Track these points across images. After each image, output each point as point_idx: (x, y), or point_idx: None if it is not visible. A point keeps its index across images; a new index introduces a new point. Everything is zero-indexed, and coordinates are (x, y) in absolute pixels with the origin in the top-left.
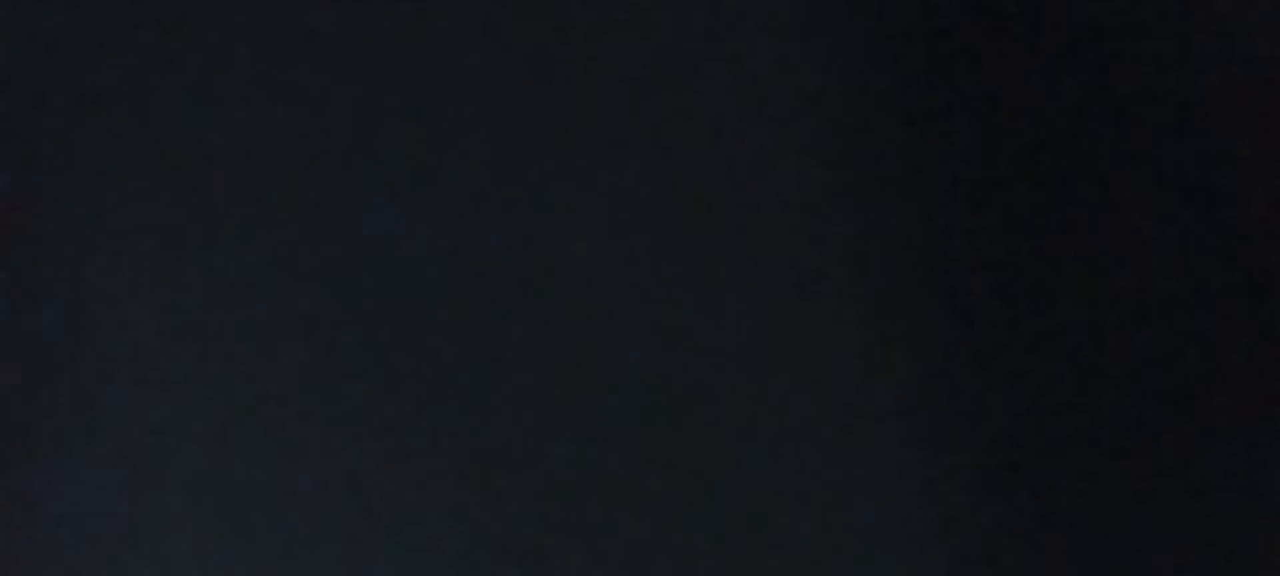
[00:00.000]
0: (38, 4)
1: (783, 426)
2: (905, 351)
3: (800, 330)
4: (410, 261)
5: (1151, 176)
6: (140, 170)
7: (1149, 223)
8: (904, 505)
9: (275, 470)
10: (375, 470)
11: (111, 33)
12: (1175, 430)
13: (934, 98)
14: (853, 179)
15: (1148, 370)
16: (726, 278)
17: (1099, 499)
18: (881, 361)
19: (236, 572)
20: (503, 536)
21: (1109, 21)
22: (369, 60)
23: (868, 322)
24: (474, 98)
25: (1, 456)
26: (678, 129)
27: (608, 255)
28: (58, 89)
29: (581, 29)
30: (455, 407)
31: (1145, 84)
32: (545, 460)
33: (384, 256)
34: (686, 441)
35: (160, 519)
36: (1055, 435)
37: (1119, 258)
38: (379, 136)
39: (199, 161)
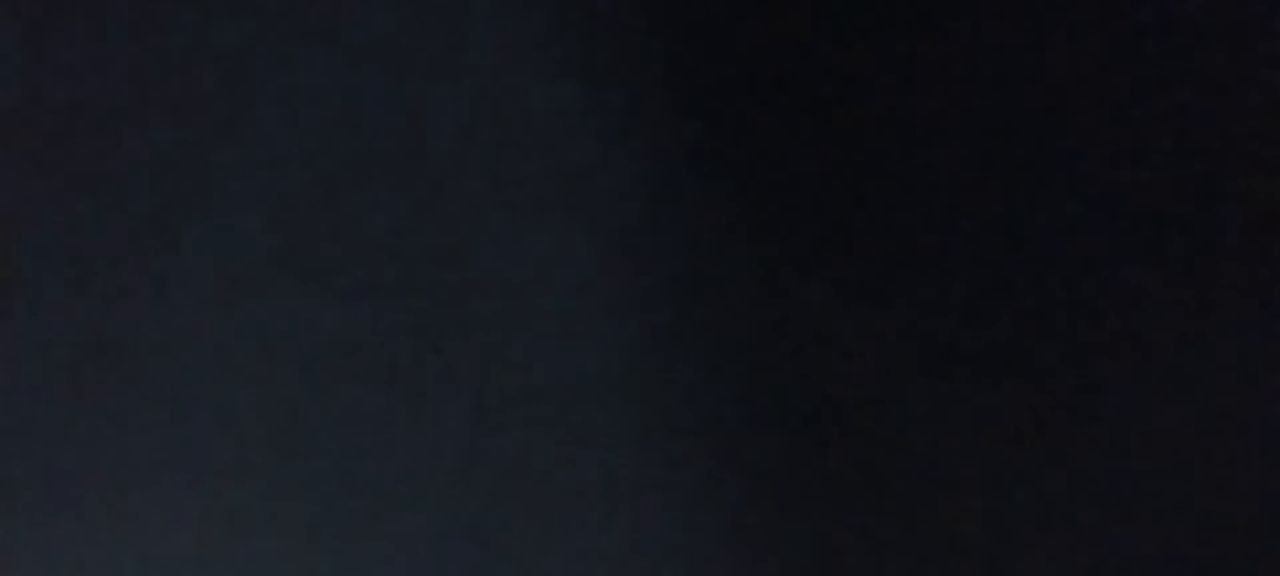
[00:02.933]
0: (38, 4)
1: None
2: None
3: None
4: (408, 259)
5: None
6: (140, 171)
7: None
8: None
9: (274, 469)
10: (373, 467)
11: (111, 33)
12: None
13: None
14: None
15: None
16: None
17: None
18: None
19: (235, 571)
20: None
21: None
22: (369, 59)
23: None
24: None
25: (2, 455)
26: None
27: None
28: (58, 89)
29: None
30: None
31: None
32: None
33: (384, 253)
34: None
35: (160, 517)
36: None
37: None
38: (378, 135)
39: (198, 162)
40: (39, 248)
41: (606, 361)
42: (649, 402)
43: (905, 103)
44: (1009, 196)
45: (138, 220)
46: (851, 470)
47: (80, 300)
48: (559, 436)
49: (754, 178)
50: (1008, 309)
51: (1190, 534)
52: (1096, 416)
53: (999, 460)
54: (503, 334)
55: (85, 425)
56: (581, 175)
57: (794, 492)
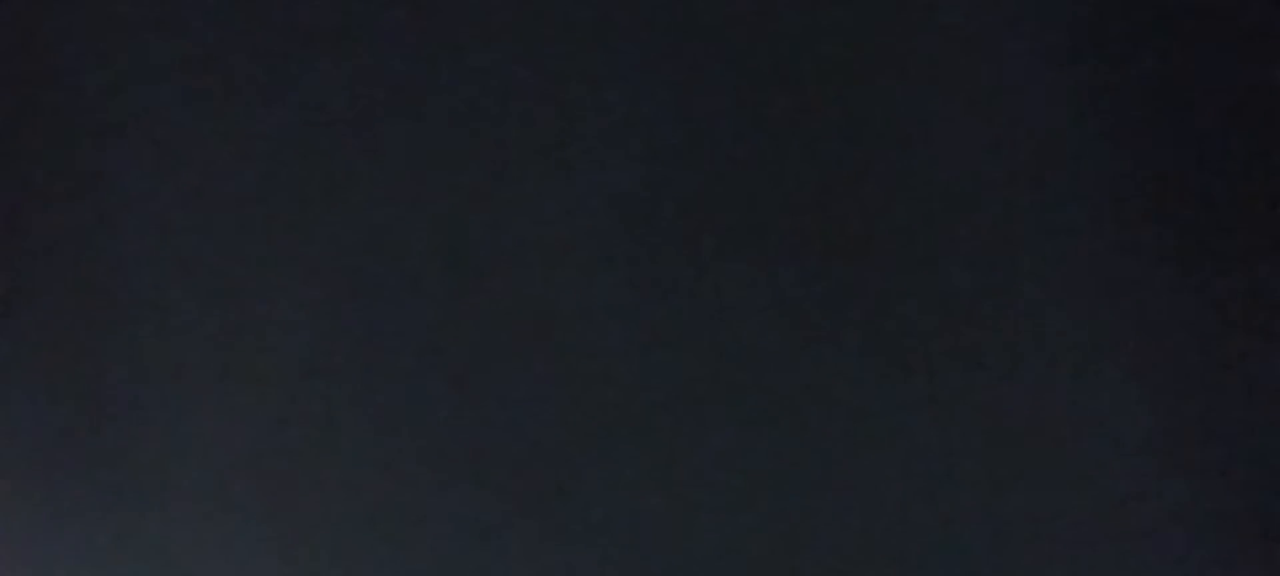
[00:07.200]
0: (38, 4)
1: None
2: None
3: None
4: (411, 257)
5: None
6: (141, 171)
7: None
8: None
9: (275, 468)
10: (374, 466)
11: (113, 32)
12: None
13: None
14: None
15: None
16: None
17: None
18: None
19: (235, 570)
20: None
21: None
22: (369, 60)
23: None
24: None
25: (3, 455)
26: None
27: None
28: (59, 89)
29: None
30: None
31: None
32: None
33: (384, 253)
34: (683, 438)
35: (161, 517)
36: None
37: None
38: (379, 136)
39: (199, 162)
40: (39, 248)
41: (609, 362)
42: (645, 401)
43: (906, 103)
44: (1006, 200)
45: (138, 220)
46: (844, 469)
47: (80, 300)
48: (562, 434)
49: (749, 178)
50: (1006, 310)
51: (1188, 534)
52: (1094, 416)
53: (998, 459)
54: (504, 334)
55: (85, 424)
56: (588, 169)
57: (787, 491)
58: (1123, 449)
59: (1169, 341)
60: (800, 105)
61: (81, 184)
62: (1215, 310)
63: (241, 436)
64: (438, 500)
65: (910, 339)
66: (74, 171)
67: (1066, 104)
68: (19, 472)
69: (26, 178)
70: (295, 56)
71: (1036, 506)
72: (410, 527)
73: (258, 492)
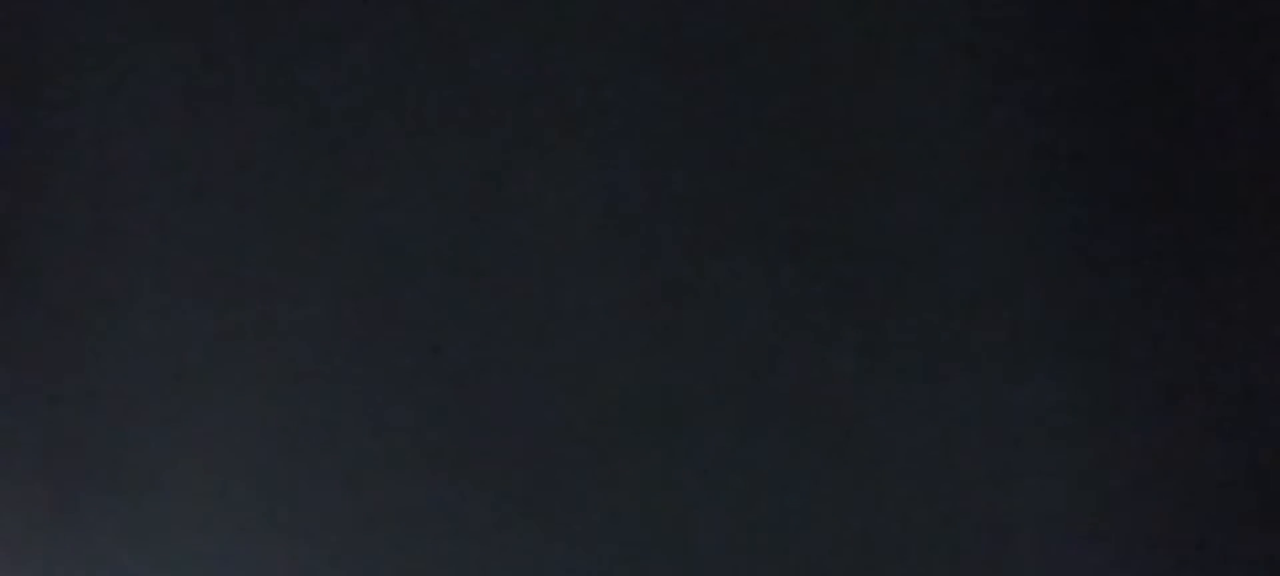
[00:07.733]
0: (38, 4)
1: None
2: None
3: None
4: (411, 258)
5: None
6: (141, 170)
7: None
8: None
9: (275, 468)
10: (373, 466)
11: (113, 32)
12: None
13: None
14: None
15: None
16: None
17: None
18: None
19: (235, 570)
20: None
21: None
22: (369, 60)
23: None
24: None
25: (3, 455)
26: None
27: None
28: (59, 89)
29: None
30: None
31: None
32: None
33: (384, 254)
34: (680, 439)
35: (160, 516)
36: None
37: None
38: (379, 136)
39: (199, 161)
40: (39, 248)
41: (608, 357)
42: (646, 401)
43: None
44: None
45: (138, 220)
46: (848, 469)
47: (80, 300)
48: (562, 434)
49: (749, 178)
50: (1006, 310)
51: (1187, 533)
52: (1094, 417)
53: (998, 459)
54: (504, 334)
55: (85, 424)
56: (580, 176)
57: (794, 491)
58: (1122, 448)
59: (1168, 341)
60: (799, 105)
61: (81, 184)
62: (1215, 310)
63: (241, 436)
64: (438, 500)
65: (910, 339)
66: (74, 171)
67: (1066, 104)
68: (19, 472)
69: (26, 178)
70: (295, 56)
71: (1035, 505)
72: (410, 527)
73: (257, 492)
